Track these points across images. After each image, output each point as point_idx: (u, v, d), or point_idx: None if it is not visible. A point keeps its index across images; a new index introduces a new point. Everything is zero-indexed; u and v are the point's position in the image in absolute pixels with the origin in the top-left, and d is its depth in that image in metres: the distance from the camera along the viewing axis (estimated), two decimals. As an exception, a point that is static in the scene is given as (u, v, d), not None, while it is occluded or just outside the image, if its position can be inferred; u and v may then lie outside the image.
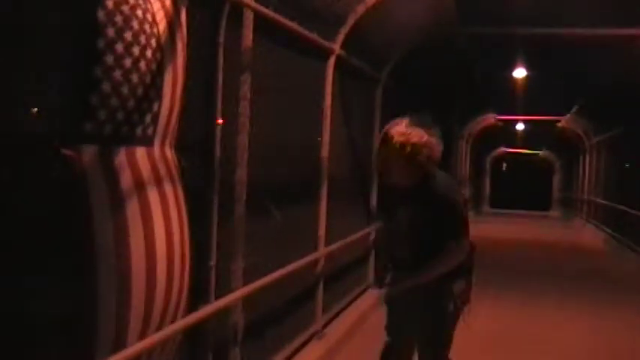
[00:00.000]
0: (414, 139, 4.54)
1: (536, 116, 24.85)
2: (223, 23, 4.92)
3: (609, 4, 9.98)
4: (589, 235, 22.43)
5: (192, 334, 4.66)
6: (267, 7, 5.73)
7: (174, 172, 3.95)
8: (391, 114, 10.65)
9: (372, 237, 9.93)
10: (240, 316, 5.51)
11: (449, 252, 4.58)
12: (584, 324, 9.53)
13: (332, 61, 7.59)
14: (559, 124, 25.94)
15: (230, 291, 5.27)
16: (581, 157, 28.50)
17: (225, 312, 5.26)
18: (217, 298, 4.96)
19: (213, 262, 4.86)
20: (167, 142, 3.92)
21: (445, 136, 14.73)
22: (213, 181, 4.83)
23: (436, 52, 11.69)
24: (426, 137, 4.58)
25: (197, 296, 4.63)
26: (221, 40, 4.92)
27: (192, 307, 4.40)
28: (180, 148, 4.15)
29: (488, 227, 24.30)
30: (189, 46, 4.17)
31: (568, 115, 23.64)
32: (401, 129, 4.59)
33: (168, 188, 3.82)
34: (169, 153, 3.95)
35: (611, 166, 21.50)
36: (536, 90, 18.77)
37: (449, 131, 20.02)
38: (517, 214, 32.89)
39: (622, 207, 18.09)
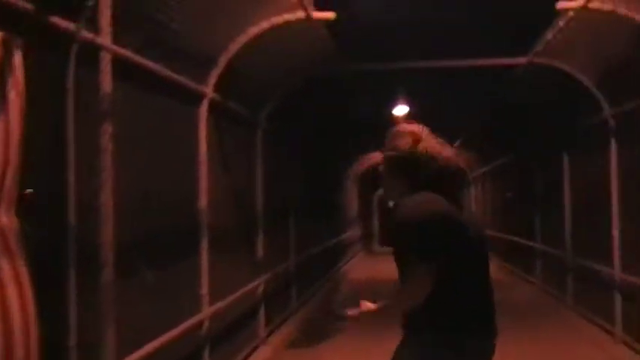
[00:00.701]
0: (392, 148, 3.93)
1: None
2: (71, 67, 4.32)
3: (489, 35, 9.87)
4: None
5: None
6: (127, 48, 5.18)
7: (13, 242, 3.31)
8: (274, 158, 10.29)
9: (261, 289, 9.34)
10: (114, 396, 4.86)
11: (402, 288, 3.61)
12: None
13: (205, 105, 7.05)
14: (443, 159, 26.04)
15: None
16: (465, 189, 28.70)
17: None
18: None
19: (73, 342, 4.19)
20: (2, 206, 3.27)
21: (332, 177, 14.33)
22: (66, 249, 4.18)
23: (317, 92, 11.31)
24: (403, 145, 3.84)
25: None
26: (70, 85, 4.31)
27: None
28: (23, 212, 3.51)
29: (380, 267, 24.05)
30: (29, 93, 3.54)
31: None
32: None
33: (4, 262, 3.17)
34: (6, 219, 3.30)
35: (497, 196, 21.63)
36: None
37: (335, 172, 19.73)
38: (407, 250, 32.80)
39: (509, 237, 18.12)
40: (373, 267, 24.01)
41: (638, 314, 8.59)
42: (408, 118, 16.13)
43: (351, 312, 3.82)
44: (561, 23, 7.94)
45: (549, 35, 8.47)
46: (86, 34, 4.47)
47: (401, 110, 17.62)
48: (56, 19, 4.17)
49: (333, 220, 19.32)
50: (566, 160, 12.12)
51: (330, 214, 18.64)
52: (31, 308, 3.32)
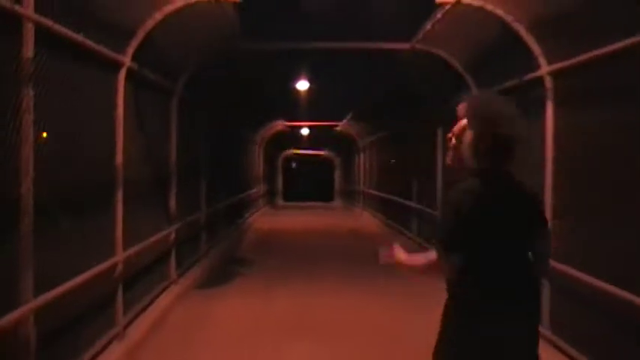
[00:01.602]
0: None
1: (319, 122, 25.04)
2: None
3: (384, 20, 9.85)
4: (366, 221, 22.72)
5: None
6: (49, 18, 4.92)
7: None
8: (188, 122, 10.08)
9: (173, 236, 9.19)
10: (32, 330, 4.70)
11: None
12: (376, 302, 9.30)
13: (122, 73, 6.78)
14: (337, 128, 26.27)
15: (18, 305, 4.48)
16: (356, 155, 29.00)
17: (13, 328, 4.45)
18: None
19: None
20: None
21: (241, 141, 14.10)
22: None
23: (227, 66, 11.12)
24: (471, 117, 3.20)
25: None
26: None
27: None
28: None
29: (282, 219, 24.27)
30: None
31: (344, 121, 23.96)
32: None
33: None
34: None
35: (380, 161, 21.91)
36: (319, 99, 18.81)
37: (244, 136, 19.55)
38: (306, 205, 33.22)
39: (389, 196, 18.39)
40: (275, 219, 24.15)
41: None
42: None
43: (383, 256, 3.56)
44: (439, 15, 7.95)
45: (428, 25, 8.48)
46: (6, 3, 4.21)
47: (303, 85, 17.57)
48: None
49: (241, 179, 19.20)
50: (440, 135, 12.25)
51: (239, 173, 18.52)
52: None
